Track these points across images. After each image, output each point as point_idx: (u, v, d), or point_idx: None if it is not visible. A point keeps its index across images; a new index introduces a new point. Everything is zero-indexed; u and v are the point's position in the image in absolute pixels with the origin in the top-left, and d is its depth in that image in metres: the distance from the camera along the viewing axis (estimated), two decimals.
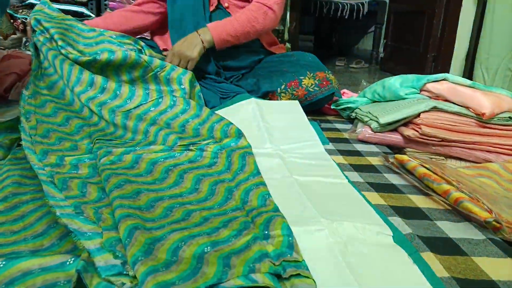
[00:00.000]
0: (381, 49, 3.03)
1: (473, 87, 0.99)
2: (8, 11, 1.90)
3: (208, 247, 0.52)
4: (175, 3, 1.22)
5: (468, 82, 1.00)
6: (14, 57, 1.42)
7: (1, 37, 1.83)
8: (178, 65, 1.10)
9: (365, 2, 3.01)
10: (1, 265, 0.46)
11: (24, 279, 0.46)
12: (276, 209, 0.61)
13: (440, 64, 2.27)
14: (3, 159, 0.80)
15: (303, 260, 0.51)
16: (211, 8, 1.23)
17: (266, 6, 1.20)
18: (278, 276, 0.49)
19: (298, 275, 0.49)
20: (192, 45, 1.12)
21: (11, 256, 0.48)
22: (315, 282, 0.48)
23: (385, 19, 3.01)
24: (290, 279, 0.48)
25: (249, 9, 1.19)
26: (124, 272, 0.48)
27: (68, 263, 0.48)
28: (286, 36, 2.12)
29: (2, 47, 1.79)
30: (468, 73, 2.10)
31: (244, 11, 1.19)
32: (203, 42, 1.13)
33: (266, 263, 0.49)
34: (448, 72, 2.22)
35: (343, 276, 0.51)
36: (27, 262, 0.47)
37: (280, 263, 0.50)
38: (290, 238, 0.54)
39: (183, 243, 0.53)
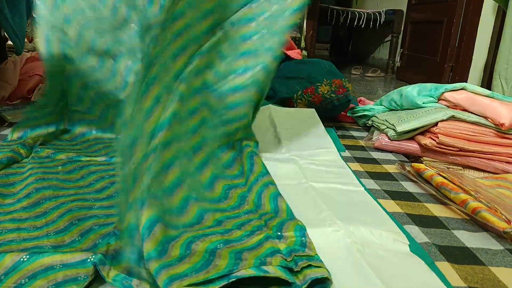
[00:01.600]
0: (397, 58, 3.01)
1: (492, 97, 0.98)
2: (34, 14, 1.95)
3: (221, 244, 0.53)
4: None
5: (487, 92, 1.00)
6: (37, 59, 1.46)
7: (26, 40, 1.88)
8: None
9: (382, 11, 3.00)
10: (25, 259, 0.48)
11: (46, 274, 0.48)
12: (290, 214, 0.62)
13: (457, 74, 2.25)
14: (27, 157, 0.83)
15: (317, 254, 0.52)
16: None
17: None
18: (290, 271, 0.49)
19: (309, 266, 0.49)
20: None
21: (34, 251, 0.50)
22: (328, 271, 0.48)
23: (402, 28, 3.00)
24: (302, 271, 0.49)
25: None
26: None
27: (88, 260, 0.50)
28: (302, 43, 2.13)
29: (26, 49, 1.84)
30: (487, 83, 2.08)
31: None
32: None
33: (277, 257, 0.50)
34: (465, 82, 2.20)
35: (364, 272, 0.51)
36: (49, 258, 0.49)
37: (292, 258, 0.50)
38: (303, 238, 0.55)
39: (196, 239, 0.54)
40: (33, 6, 1.37)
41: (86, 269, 0.49)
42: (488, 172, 0.95)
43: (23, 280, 0.47)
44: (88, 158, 0.83)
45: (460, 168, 0.96)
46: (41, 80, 1.39)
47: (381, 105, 1.23)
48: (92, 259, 0.49)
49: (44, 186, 0.69)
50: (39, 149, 0.85)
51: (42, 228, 0.58)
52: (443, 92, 1.04)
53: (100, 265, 0.48)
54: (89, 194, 0.69)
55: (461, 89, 1.03)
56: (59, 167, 0.78)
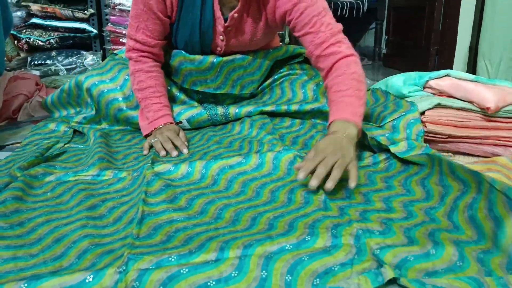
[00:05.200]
0: (383, 45, 3.02)
1: (476, 81, 0.99)
2: (11, 31, 1.93)
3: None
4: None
5: (471, 76, 1.00)
6: (21, 78, 1.45)
7: (6, 59, 1.86)
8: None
9: None
10: (24, 287, 0.48)
11: None
12: None
13: (443, 57, 2.26)
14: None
15: None
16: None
17: (348, 56, 0.92)
18: None
19: None
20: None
21: (32, 278, 0.50)
22: None
23: (385, 15, 3.00)
24: None
25: (348, 72, 0.89)
26: None
27: (87, 280, 0.49)
28: (287, 39, 2.12)
29: (8, 68, 1.82)
30: (472, 65, 2.09)
31: (347, 73, 0.88)
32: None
33: None
34: (451, 65, 2.21)
35: None
36: (48, 283, 0.48)
37: None
38: None
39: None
40: (10, 25, 1.36)
41: None
42: (478, 156, 0.95)
43: None
44: (76, 177, 0.82)
45: (450, 154, 0.97)
46: (26, 99, 1.38)
47: None
48: (90, 279, 0.49)
49: (36, 215, 0.68)
50: (30, 169, 0.84)
51: (39, 256, 0.58)
52: (428, 80, 1.05)
53: None
54: (81, 212, 0.69)
55: (446, 75, 1.03)
56: (48, 193, 0.77)
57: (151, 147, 0.97)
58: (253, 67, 1.15)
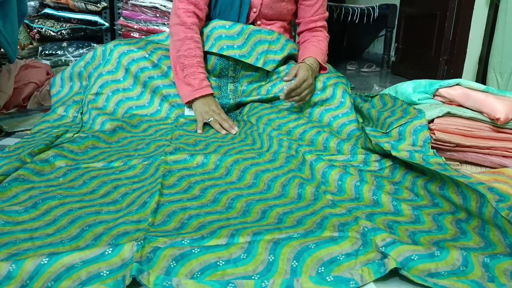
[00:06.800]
0: (392, 53, 3.02)
1: (487, 92, 0.99)
2: (24, 21, 1.95)
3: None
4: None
5: (481, 87, 1.00)
6: (32, 66, 1.46)
7: (18, 48, 1.87)
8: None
9: (376, 6, 3.00)
10: (45, 262, 0.49)
11: (68, 274, 0.48)
12: None
13: (452, 67, 2.25)
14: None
15: None
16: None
17: (327, 38, 1.33)
18: None
19: None
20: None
21: (52, 253, 0.51)
22: None
23: (396, 23, 3.00)
24: None
25: (324, 41, 1.28)
26: None
27: (106, 252, 0.51)
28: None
29: (19, 57, 1.84)
30: (482, 76, 2.08)
31: (323, 41, 1.28)
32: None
33: None
34: (461, 75, 2.20)
35: None
36: (68, 257, 0.50)
37: None
38: None
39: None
40: (24, 15, 1.37)
41: (106, 262, 0.50)
42: (485, 166, 0.95)
43: (49, 283, 0.48)
44: (86, 165, 0.83)
45: (457, 163, 0.97)
46: (36, 88, 1.39)
47: None
48: (109, 251, 0.51)
49: (49, 197, 0.69)
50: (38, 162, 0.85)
51: (55, 235, 0.59)
52: (438, 89, 1.05)
53: (139, 275, 0.48)
54: (94, 200, 0.70)
55: (456, 85, 1.03)
56: (60, 178, 0.78)
57: (205, 124, 1.07)
58: (277, 46, 1.22)
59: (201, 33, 1.20)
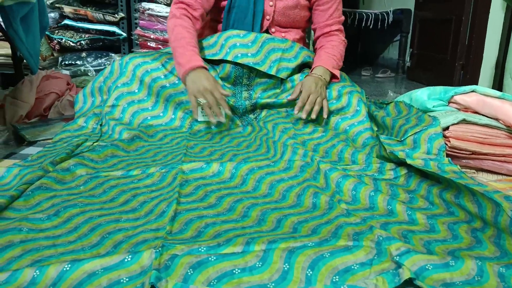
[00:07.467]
0: (407, 58, 3.00)
1: (503, 99, 0.98)
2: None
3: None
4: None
5: (497, 93, 0.99)
6: (53, 77, 1.50)
7: (40, 59, 1.93)
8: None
9: (390, 11, 2.99)
10: (68, 268, 0.51)
11: (90, 281, 0.50)
12: None
13: (468, 72, 2.23)
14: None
15: None
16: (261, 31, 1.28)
17: (344, 41, 1.33)
18: None
19: None
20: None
21: (74, 260, 0.53)
22: None
23: (411, 28, 2.99)
24: None
25: (338, 46, 1.29)
26: None
27: (126, 260, 0.53)
28: (311, 48, 2.13)
29: (41, 67, 1.89)
30: (498, 81, 2.05)
31: (337, 46, 1.28)
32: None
33: None
34: (477, 80, 2.17)
35: None
36: (89, 264, 0.52)
37: None
38: None
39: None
40: (46, 27, 1.41)
41: (125, 269, 0.52)
42: (502, 174, 0.94)
43: None
44: (106, 173, 0.86)
45: (474, 171, 0.96)
46: (57, 98, 1.43)
47: None
48: (129, 259, 0.52)
49: (70, 205, 0.72)
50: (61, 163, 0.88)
51: (76, 242, 0.61)
52: (453, 96, 1.04)
53: (158, 282, 0.50)
54: (114, 208, 0.72)
55: (472, 91, 1.02)
56: (81, 187, 0.80)
57: (198, 104, 1.06)
58: (290, 53, 1.24)
59: (216, 43, 1.23)
